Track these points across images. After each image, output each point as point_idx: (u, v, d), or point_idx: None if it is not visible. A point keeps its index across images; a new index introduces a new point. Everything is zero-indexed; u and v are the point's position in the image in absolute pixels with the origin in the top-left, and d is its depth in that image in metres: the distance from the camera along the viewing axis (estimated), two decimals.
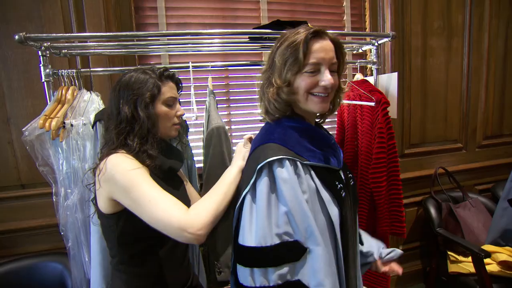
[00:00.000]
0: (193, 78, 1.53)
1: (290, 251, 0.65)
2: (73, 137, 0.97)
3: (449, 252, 1.77)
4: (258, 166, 0.67)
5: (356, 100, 1.45)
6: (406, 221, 2.03)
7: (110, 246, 0.78)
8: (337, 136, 1.68)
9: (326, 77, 0.69)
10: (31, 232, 1.46)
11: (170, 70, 0.88)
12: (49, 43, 1.08)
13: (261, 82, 0.78)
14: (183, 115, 0.90)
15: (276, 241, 0.64)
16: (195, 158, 1.37)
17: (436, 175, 1.96)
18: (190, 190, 0.98)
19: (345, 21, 1.86)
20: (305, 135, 0.75)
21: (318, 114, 0.85)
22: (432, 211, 1.89)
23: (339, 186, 0.74)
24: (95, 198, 0.77)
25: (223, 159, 1.14)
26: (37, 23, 1.37)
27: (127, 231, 0.73)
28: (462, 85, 2.09)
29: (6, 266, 1.33)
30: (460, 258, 1.71)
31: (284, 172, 0.66)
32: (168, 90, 0.84)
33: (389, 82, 1.44)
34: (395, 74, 1.39)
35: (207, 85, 1.33)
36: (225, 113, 1.73)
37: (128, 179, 0.68)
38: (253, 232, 0.66)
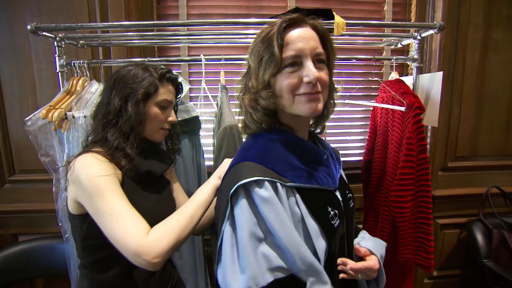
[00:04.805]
0: (214, 72, 1.48)
1: None
2: (76, 129, 0.97)
3: None
4: (230, 192, 0.56)
5: (389, 103, 1.25)
6: (445, 243, 1.78)
7: (76, 247, 0.76)
8: (368, 142, 1.48)
9: (310, 70, 0.56)
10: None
11: (174, 73, 0.84)
12: (64, 34, 1.10)
13: (240, 88, 0.68)
14: (175, 122, 0.85)
15: (269, 279, 0.52)
16: (205, 156, 1.32)
17: (488, 196, 1.64)
18: (179, 193, 0.92)
19: (385, 11, 1.62)
20: (290, 150, 0.62)
21: (311, 124, 0.71)
22: (479, 237, 1.60)
23: (331, 213, 0.60)
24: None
25: None
26: (65, 16, 1.42)
27: (91, 234, 0.69)
28: None
29: (31, 243, 1.44)
30: None
31: (263, 191, 0.54)
32: (165, 92, 0.80)
33: (431, 83, 1.21)
34: (440, 74, 1.16)
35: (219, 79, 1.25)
36: None
37: (93, 185, 0.64)
38: (238, 272, 0.54)
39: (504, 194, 1.65)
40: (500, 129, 1.71)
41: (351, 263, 0.64)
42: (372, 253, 0.71)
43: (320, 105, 0.60)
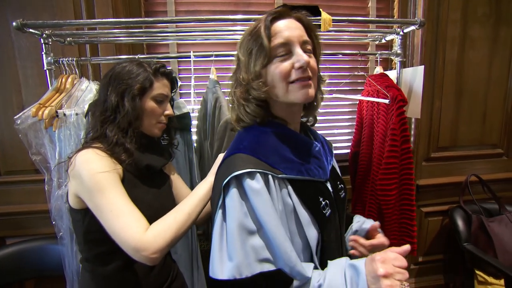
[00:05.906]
0: (204, 68, 1.49)
1: (272, 285, 0.54)
2: (67, 127, 0.97)
3: (477, 271, 1.58)
4: (223, 184, 0.57)
5: (374, 97, 1.30)
6: (429, 230, 1.87)
7: (78, 241, 0.77)
8: (355, 134, 1.54)
9: (300, 56, 0.59)
10: (45, 215, 1.54)
11: (167, 68, 0.85)
12: (51, 31, 1.08)
13: (231, 84, 0.69)
14: (172, 115, 0.87)
15: (255, 270, 0.53)
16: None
17: (467, 183, 1.74)
18: (179, 187, 0.94)
19: (369, 8, 1.67)
20: (282, 142, 0.64)
21: (302, 115, 0.74)
22: (460, 223, 1.69)
23: (323, 202, 0.63)
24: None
25: None
26: (50, 12, 1.39)
27: (93, 229, 0.70)
28: (509, 82, 1.79)
29: (20, 246, 1.41)
30: (490, 279, 1.52)
31: (255, 183, 0.55)
32: (161, 86, 0.81)
33: (414, 76, 1.27)
34: (421, 68, 1.22)
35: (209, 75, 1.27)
36: None
37: (94, 181, 0.65)
38: (225, 261, 0.54)
39: (482, 181, 1.75)
40: (477, 121, 1.80)
41: (368, 241, 0.72)
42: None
43: (312, 91, 0.62)
